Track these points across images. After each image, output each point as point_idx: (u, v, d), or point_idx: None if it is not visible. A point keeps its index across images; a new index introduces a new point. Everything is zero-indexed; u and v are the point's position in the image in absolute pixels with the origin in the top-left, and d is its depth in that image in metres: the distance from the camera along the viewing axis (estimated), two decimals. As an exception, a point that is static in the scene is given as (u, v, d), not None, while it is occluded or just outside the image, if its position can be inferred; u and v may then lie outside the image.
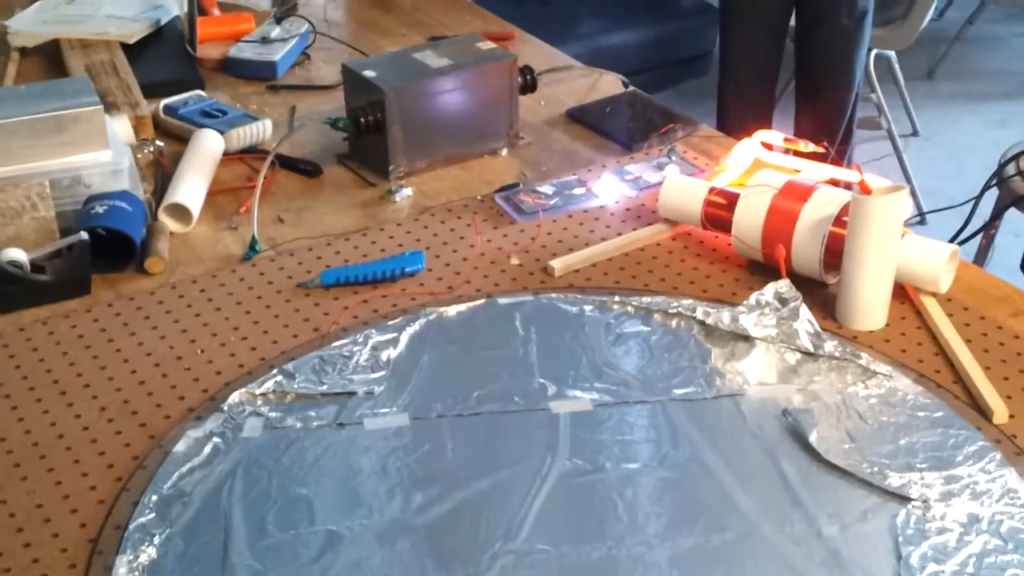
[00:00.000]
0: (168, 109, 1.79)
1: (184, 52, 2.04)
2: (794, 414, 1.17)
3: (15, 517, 1.08)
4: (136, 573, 1.01)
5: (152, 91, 1.84)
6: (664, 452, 1.14)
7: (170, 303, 1.38)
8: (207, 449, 1.14)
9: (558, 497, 1.09)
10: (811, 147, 1.56)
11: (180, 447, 1.15)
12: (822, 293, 1.36)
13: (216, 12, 2.20)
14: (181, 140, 1.71)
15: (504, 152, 1.73)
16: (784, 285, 1.31)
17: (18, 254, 1.38)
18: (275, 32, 2.06)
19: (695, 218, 1.46)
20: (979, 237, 2.15)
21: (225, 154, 1.69)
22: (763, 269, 1.40)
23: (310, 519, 1.06)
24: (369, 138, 1.64)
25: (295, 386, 1.22)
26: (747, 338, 1.29)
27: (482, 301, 1.37)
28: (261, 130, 1.75)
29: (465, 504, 1.08)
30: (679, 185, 1.49)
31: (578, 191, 1.59)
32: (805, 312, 1.29)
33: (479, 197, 1.60)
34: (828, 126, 2.95)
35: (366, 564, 1.02)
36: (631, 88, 1.92)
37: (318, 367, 1.25)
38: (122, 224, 1.43)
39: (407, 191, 1.61)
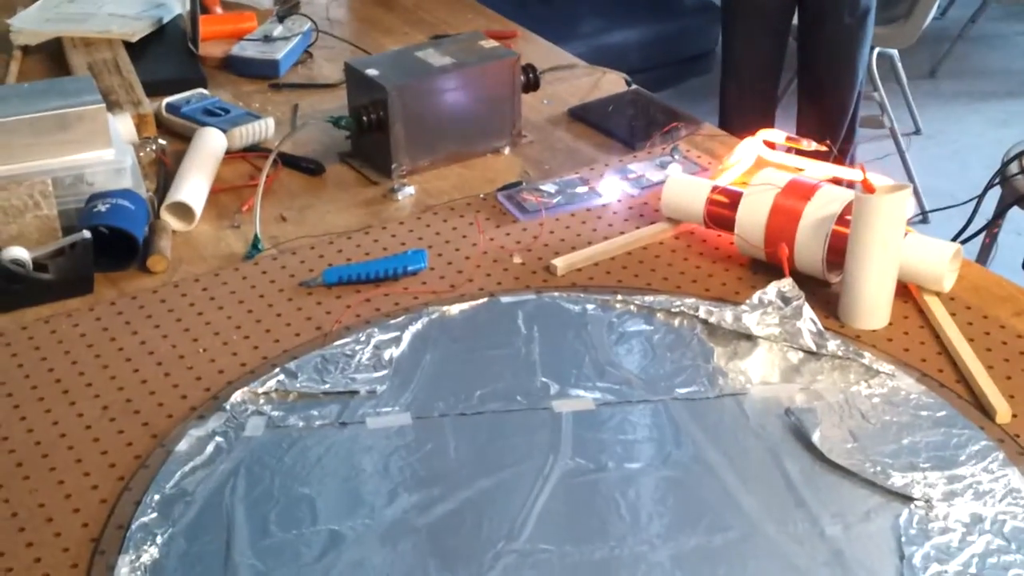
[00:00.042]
0: (170, 107, 1.79)
1: (186, 50, 2.04)
2: (797, 413, 1.17)
3: (17, 516, 1.08)
4: (138, 573, 1.01)
5: (154, 89, 1.84)
6: (666, 451, 1.14)
7: (172, 302, 1.38)
8: (209, 448, 1.14)
9: (560, 497, 1.08)
10: (814, 146, 1.56)
11: (182, 446, 1.15)
12: (825, 292, 1.36)
13: (218, 10, 2.20)
14: (183, 138, 1.71)
15: (507, 150, 1.72)
16: (787, 284, 1.31)
17: (21, 252, 1.38)
18: (277, 30, 2.06)
19: (698, 217, 1.45)
20: (982, 236, 2.15)
21: (227, 152, 1.69)
22: (766, 268, 1.39)
23: (312, 519, 1.06)
24: (371, 136, 1.64)
25: (297, 385, 1.22)
26: (750, 337, 1.29)
27: (484, 300, 1.37)
28: (263, 128, 1.75)
29: (467, 504, 1.08)
30: (682, 184, 1.48)
31: (581, 190, 1.59)
32: (808, 311, 1.29)
33: (482, 195, 1.59)
34: (830, 125, 2.94)
35: (368, 564, 1.02)
36: (634, 86, 1.91)
37: (320, 366, 1.25)
38: (125, 223, 1.43)
39: (410, 189, 1.61)
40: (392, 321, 1.33)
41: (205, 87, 1.90)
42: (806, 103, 3.03)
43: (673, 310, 1.33)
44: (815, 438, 1.13)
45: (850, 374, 1.23)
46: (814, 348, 1.26)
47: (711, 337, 1.30)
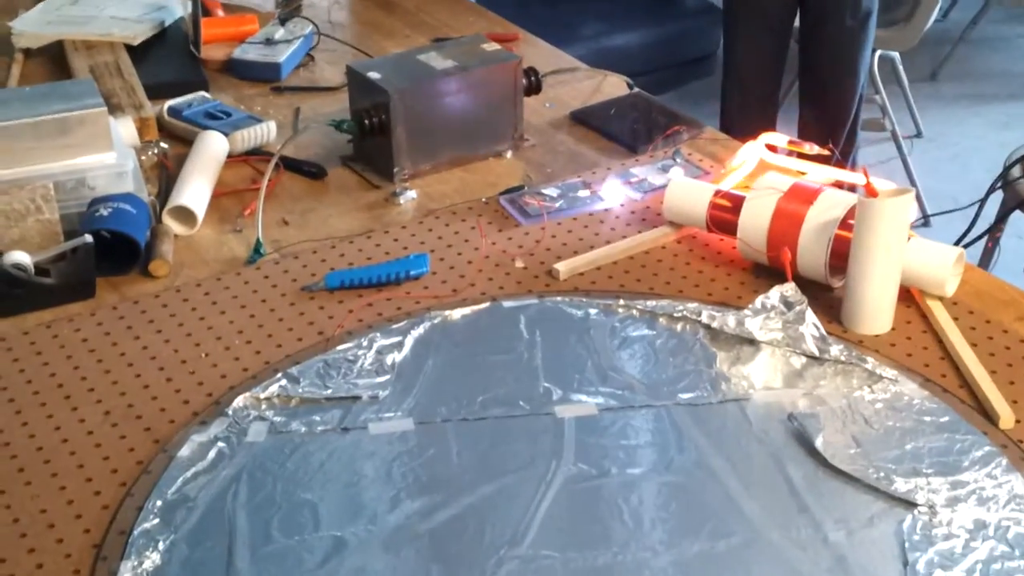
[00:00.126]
0: (172, 111, 1.79)
1: (188, 53, 2.04)
2: (800, 419, 1.17)
3: (19, 522, 1.08)
4: (140, 578, 1.01)
5: (156, 93, 1.84)
6: (669, 457, 1.14)
7: (174, 306, 1.38)
8: (212, 454, 1.14)
9: (563, 502, 1.08)
10: (816, 149, 1.56)
11: (184, 452, 1.14)
12: (827, 296, 1.36)
13: (220, 13, 2.20)
14: (185, 142, 1.71)
15: (508, 154, 1.72)
16: (789, 289, 1.31)
17: (22, 257, 1.38)
18: (279, 33, 2.06)
19: (700, 221, 1.45)
20: (984, 240, 2.15)
21: (229, 156, 1.69)
22: (768, 272, 1.39)
23: (315, 524, 1.06)
24: (373, 140, 1.63)
25: (300, 390, 1.22)
26: (752, 342, 1.29)
27: (487, 304, 1.37)
28: (265, 132, 1.74)
29: (470, 509, 1.08)
30: (684, 188, 1.48)
31: (583, 194, 1.59)
32: (811, 316, 1.29)
33: (483, 199, 1.59)
34: (832, 128, 2.94)
35: (370, 570, 1.02)
36: (636, 90, 1.91)
37: (323, 371, 1.25)
38: (126, 227, 1.43)
39: (411, 193, 1.61)
40: (394, 326, 1.32)
41: (207, 90, 1.90)
42: (807, 106, 3.03)
43: (675, 315, 1.33)
44: (818, 443, 1.13)
45: (853, 379, 1.23)
46: (817, 353, 1.26)
47: (714, 342, 1.29)
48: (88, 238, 1.39)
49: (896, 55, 3.59)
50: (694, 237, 1.49)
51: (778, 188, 1.37)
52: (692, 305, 1.34)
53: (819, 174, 1.52)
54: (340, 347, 1.29)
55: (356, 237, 1.51)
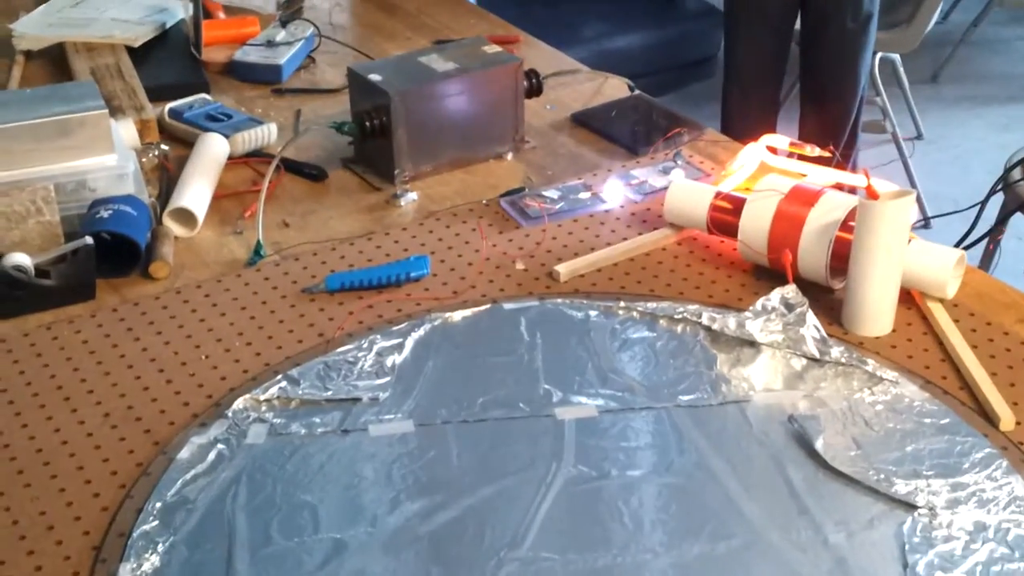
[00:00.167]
0: (173, 113, 1.79)
1: (189, 55, 2.04)
2: (800, 421, 1.17)
3: (18, 524, 1.08)
4: (140, 580, 1.01)
5: (157, 95, 1.84)
6: (669, 459, 1.14)
7: (175, 308, 1.38)
8: (211, 456, 1.14)
9: (563, 504, 1.08)
10: (817, 151, 1.56)
11: (184, 454, 1.14)
12: (828, 298, 1.36)
13: (221, 15, 2.20)
14: (186, 144, 1.71)
15: (509, 156, 1.72)
16: (790, 290, 1.31)
17: (23, 259, 1.38)
18: (280, 35, 2.06)
19: (701, 223, 1.45)
20: (985, 242, 2.15)
21: (230, 158, 1.69)
22: (769, 274, 1.39)
23: (314, 526, 1.06)
24: (374, 142, 1.63)
25: (300, 392, 1.22)
26: (753, 344, 1.28)
27: (487, 306, 1.37)
28: (266, 134, 1.74)
29: (470, 511, 1.07)
30: (685, 190, 1.48)
31: (583, 196, 1.59)
32: (811, 318, 1.28)
33: (484, 201, 1.59)
34: (833, 130, 2.94)
35: (370, 572, 1.01)
36: (637, 92, 1.91)
37: (323, 373, 1.25)
38: (127, 229, 1.43)
39: (412, 195, 1.61)
40: (395, 328, 1.32)
41: (208, 92, 1.90)
42: (808, 108, 3.03)
43: (676, 316, 1.33)
44: (818, 445, 1.13)
45: (853, 381, 1.23)
46: (817, 355, 1.26)
47: (714, 344, 1.29)
48: (88, 240, 1.39)
49: (897, 57, 3.59)
50: (695, 239, 1.48)
51: (779, 190, 1.37)
52: (693, 307, 1.34)
53: (820, 176, 1.52)
54: (340, 349, 1.29)
55: (356, 239, 1.51)
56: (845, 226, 1.32)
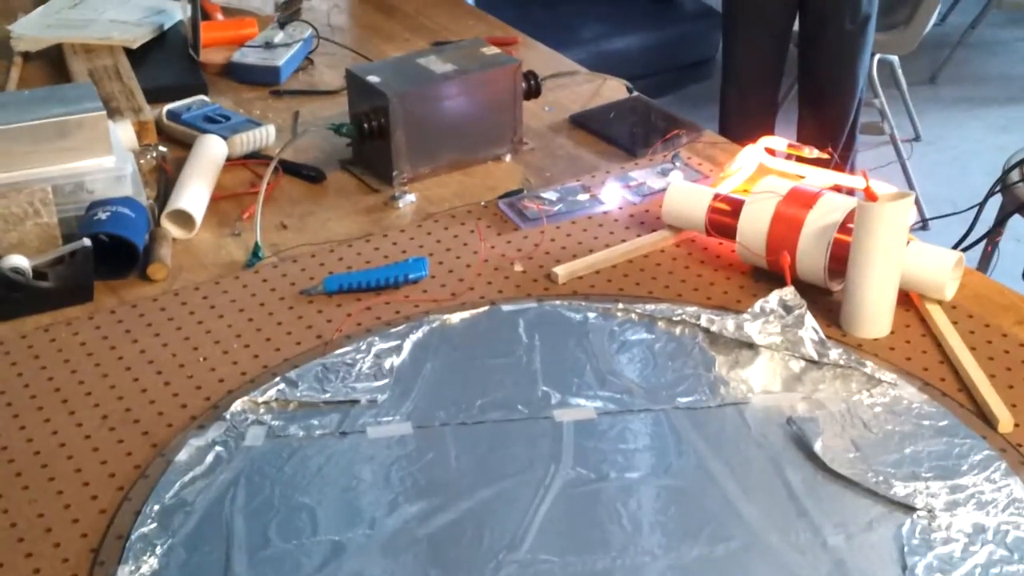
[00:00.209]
0: (171, 114, 1.79)
1: (187, 57, 2.04)
2: (799, 423, 1.17)
3: (16, 527, 1.08)
4: (138, 583, 1.01)
5: (155, 96, 1.84)
6: (668, 461, 1.14)
7: (173, 310, 1.38)
8: (209, 458, 1.14)
9: (562, 506, 1.08)
10: (816, 153, 1.56)
11: (182, 456, 1.14)
12: (827, 300, 1.36)
13: (219, 17, 2.20)
14: (184, 145, 1.71)
15: (508, 158, 1.72)
16: (789, 292, 1.31)
17: (20, 261, 1.38)
18: (278, 37, 2.06)
19: (699, 225, 1.45)
20: (983, 244, 2.15)
21: (228, 160, 1.69)
22: (768, 276, 1.39)
23: (312, 529, 1.06)
24: (373, 144, 1.63)
25: (298, 394, 1.22)
26: (751, 346, 1.28)
27: (486, 308, 1.37)
28: (264, 135, 1.74)
29: (468, 514, 1.07)
30: (683, 191, 1.48)
31: (582, 197, 1.59)
32: (810, 320, 1.28)
33: (483, 203, 1.59)
34: (831, 131, 2.94)
35: (369, 574, 1.01)
36: (635, 93, 1.91)
37: (321, 375, 1.25)
38: (125, 230, 1.43)
39: (411, 197, 1.61)
40: (393, 330, 1.32)
41: (206, 94, 1.90)
42: (807, 109, 3.03)
43: (674, 319, 1.33)
44: (817, 447, 1.13)
45: (852, 383, 1.23)
46: (816, 357, 1.26)
47: (712, 346, 1.29)
48: (86, 242, 1.39)
49: (895, 59, 3.59)
50: (693, 241, 1.48)
51: (777, 192, 1.37)
52: (691, 309, 1.33)
53: (818, 178, 1.52)
54: (338, 351, 1.29)
55: (355, 241, 1.51)
56: (843, 228, 1.32)
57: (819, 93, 2.98)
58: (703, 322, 1.31)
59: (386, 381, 1.24)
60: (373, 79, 1.63)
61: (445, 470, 1.13)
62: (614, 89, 1.94)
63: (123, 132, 1.65)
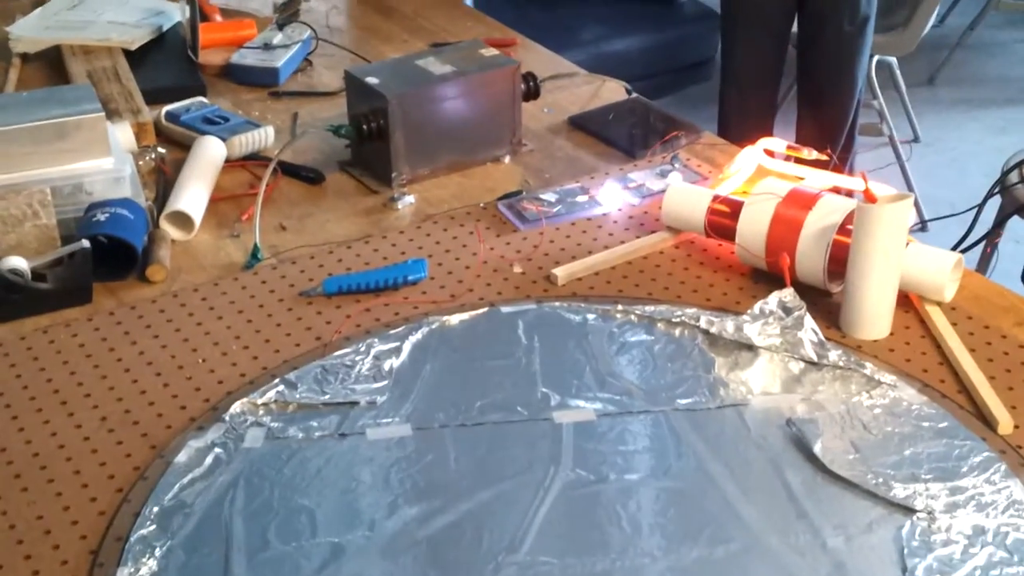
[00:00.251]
0: (170, 116, 1.79)
1: (186, 58, 2.04)
2: (798, 424, 1.17)
3: (15, 528, 1.07)
4: (137, 585, 1.01)
5: (154, 97, 1.84)
6: (667, 463, 1.14)
7: (171, 311, 1.38)
8: (208, 459, 1.14)
9: (561, 508, 1.08)
10: (814, 155, 1.56)
11: (181, 457, 1.14)
12: (826, 302, 1.35)
13: (218, 18, 2.20)
14: (183, 147, 1.71)
15: (507, 159, 1.72)
16: (788, 294, 1.31)
17: (19, 262, 1.38)
18: (277, 38, 2.06)
19: (699, 226, 1.45)
20: (982, 245, 2.15)
21: (227, 161, 1.69)
22: (767, 278, 1.39)
23: (312, 531, 1.06)
24: (372, 145, 1.63)
25: (297, 396, 1.22)
26: (751, 347, 1.28)
27: (485, 310, 1.37)
28: (263, 137, 1.74)
29: (468, 516, 1.07)
30: (682, 193, 1.48)
31: (581, 199, 1.59)
32: (809, 321, 1.28)
33: (482, 204, 1.59)
34: (830, 133, 2.95)
35: (368, 576, 1.01)
36: (634, 95, 1.91)
37: (320, 376, 1.25)
38: (124, 232, 1.43)
39: (410, 198, 1.61)
40: (392, 331, 1.32)
41: (204, 95, 1.89)
42: (806, 111, 3.03)
43: (674, 320, 1.33)
44: (816, 449, 1.13)
45: (851, 384, 1.23)
46: (815, 358, 1.26)
47: (712, 347, 1.29)
48: (85, 243, 1.39)
49: (894, 60, 3.59)
50: (692, 242, 1.48)
51: (777, 193, 1.37)
52: (690, 310, 1.33)
53: (817, 179, 1.52)
54: (338, 352, 1.28)
55: (354, 242, 1.51)
56: (843, 229, 1.32)
57: (818, 94, 2.98)
58: (702, 324, 1.31)
59: (385, 383, 1.24)
60: (372, 80, 1.63)
61: (444, 472, 1.13)
62: (613, 90, 1.94)
63: (122, 133, 1.64)
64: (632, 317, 1.34)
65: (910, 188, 3.43)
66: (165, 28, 2.12)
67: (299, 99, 1.94)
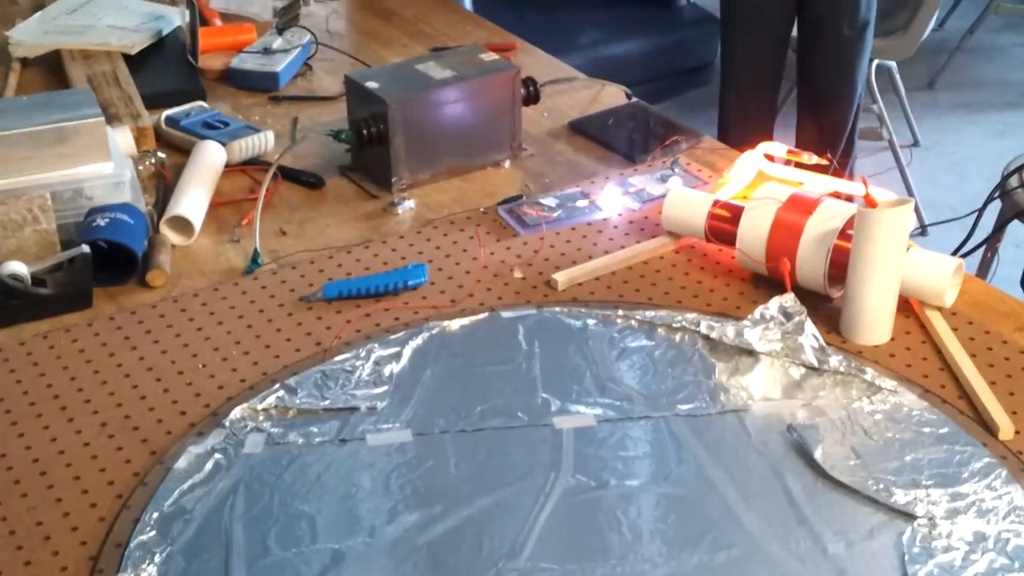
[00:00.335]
0: (170, 120, 1.79)
1: (186, 63, 2.04)
2: (799, 430, 1.17)
3: (15, 534, 1.07)
4: (137, 591, 1.01)
5: (154, 102, 1.84)
6: (668, 468, 1.14)
7: (172, 317, 1.38)
8: (208, 465, 1.14)
9: (562, 514, 1.08)
10: (814, 159, 1.55)
11: (181, 463, 1.14)
12: (827, 307, 1.35)
13: (218, 23, 2.20)
14: (183, 152, 1.71)
15: (507, 164, 1.72)
16: (789, 299, 1.31)
17: (19, 267, 1.38)
18: (277, 43, 2.06)
19: (699, 231, 1.45)
20: (982, 250, 2.15)
21: (227, 166, 1.69)
22: (767, 283, 1.39)
23: (312, 537, 1.05)
24: (372, 150, 1.63)
25: (297, 401, 1.22)
26: (751, 353, 1.28)
27: (485, 315, 1.36)
28: (263, 142, 1.74)
29: (468, 521, 1.07)
30: (683, 197, 1.48)
31: (581, 203, 1.59)
32: (810, 326, 1.28)
33: (482, 209, 1.59)
34: (830, 137, 2.94)
35: (369, 582, 1.01)
36: (634, 99, 1.91)
37: (320, 382, 1.24)
38: (124, 237, 1.43)
39: (410, 203, 1.61)
40: (392, 336, 1.32)
41: (204, 100, 1.89)
42: (806, 115, 3.03)
43: (674, 325, 1.33)
44: (817, 455, 1.13)
45: (852, 390, 1.23)
46: (816, 364, 1.26)
47: (712, 352, 1.29)
48: (85, 248, 1.38)
49: (893, 64, 3.59)
50: (693, 247, 1.48)
51: (777, 198, 1.37)
52: (691, 315, 1.33)
53: (817, 184, 1.52)
54: (338, 358, 1.28)
55: (354, 247, 1.51)
56: (843, 234, 1.32)
57: (818, 98, 2.98)
58: (703, 329, 1.31)
59: (386, 388, 1.24)
60: (372, 85, 1.63)
61: (445, 477, 1.13)
62: (613, 95, 1.94)
63: (122, 138, 1.64)
64: (632, 322, 1.34)
65: (910, 192, 3.43)
66: (165, 32, 2.12)
67: (299, 104, 1.94)
